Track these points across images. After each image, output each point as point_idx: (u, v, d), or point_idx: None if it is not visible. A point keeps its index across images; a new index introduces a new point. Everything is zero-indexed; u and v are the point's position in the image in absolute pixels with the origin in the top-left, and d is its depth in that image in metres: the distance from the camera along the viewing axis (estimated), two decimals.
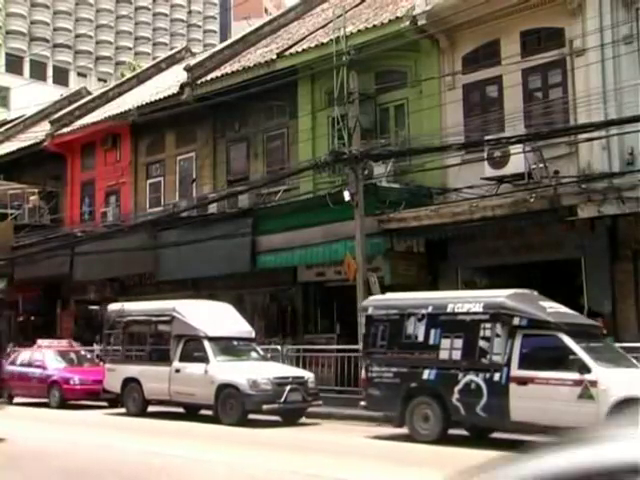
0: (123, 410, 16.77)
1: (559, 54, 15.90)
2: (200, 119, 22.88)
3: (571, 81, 15.67)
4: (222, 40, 64.03)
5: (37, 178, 28.39)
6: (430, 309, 12.11)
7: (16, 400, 19.42)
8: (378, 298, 13.79)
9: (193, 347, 15.64)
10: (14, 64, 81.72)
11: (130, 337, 17.77)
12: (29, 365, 19.95)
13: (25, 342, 23.95)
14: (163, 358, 16.19)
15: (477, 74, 17.18)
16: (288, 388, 14.40)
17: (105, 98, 30.55)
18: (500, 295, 11.71)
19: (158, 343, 16.92)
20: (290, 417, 14.68)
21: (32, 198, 27.56)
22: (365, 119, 17.68)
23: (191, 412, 16.06)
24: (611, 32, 14.92)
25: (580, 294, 15.41)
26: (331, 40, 18.25)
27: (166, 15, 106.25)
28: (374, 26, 18.37)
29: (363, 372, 13.08)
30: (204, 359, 15.12)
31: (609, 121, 14.25)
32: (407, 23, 17.48)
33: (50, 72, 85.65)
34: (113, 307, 18.26)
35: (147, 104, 24.07)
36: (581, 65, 15.36)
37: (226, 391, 14.46)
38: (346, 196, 15.91)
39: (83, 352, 21.66)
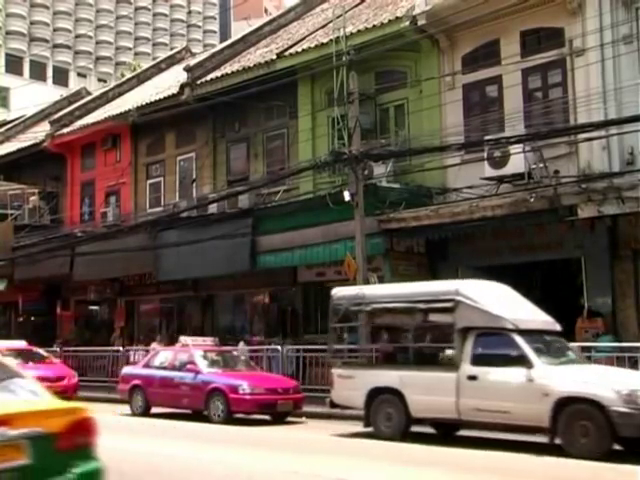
0: (356, 429, 12.70)
1: (559, 54, 15.91)
2: (200, 119, 22.88)
3: (571, 81, 15.68)
4: (222, 40, 64.04)
5: (37, 178, 28.43)
6: None
7: (155, 410, 16.33)
8: None
9: (495, 344, 11.50)
10: (14, 64, 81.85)
11: (377, 331, 13.63)
12: (174, 368, 16.24)
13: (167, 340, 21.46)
14: (441, 360, 12.22)
15: (477, 74, 17.19)
16: None
17: (105, 98, 30.58)
18: None
19: (429, 339, 12.75)
20: None
21: (32, 198, 27.58)
22: (365, 119, 17.68)
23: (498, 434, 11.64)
24: (611, 32, 14.94)
25: (580, 294, 15.43)
26: (331, 40, 18.27)
27: (166, 15, 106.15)
28: (374, 26, 18.38)
29: None
30: (521, 362, 10.90)
31: (609, 121, 14.26)
32: (407, 23, 17.50)
33: (50, 72, 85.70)
34: (344, 292, 13.96)
35: (147, 104, 24.08)
36: (581, 65, 15.37)
37: (572, 408, 10.26)
38: (346, 196, 15.91)
39: (235, 352, 18.12)
